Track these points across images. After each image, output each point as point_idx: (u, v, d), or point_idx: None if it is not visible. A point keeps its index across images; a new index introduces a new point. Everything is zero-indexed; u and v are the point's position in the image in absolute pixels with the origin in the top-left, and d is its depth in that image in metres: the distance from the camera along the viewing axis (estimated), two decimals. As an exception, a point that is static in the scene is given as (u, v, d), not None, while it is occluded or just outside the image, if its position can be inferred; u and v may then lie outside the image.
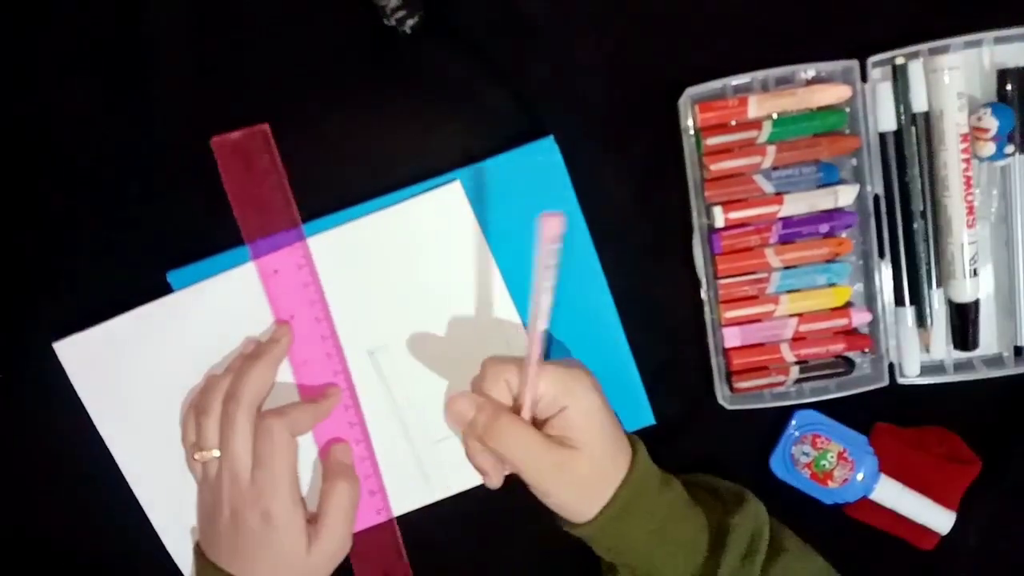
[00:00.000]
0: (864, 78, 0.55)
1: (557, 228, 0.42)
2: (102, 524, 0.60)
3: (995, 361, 0.58)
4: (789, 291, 0.57)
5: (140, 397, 0.57)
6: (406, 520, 0.59)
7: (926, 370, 0.58)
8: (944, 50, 0.54)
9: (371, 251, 0.57)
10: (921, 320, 0.57)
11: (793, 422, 0.58)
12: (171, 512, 0.58)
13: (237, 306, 0.57)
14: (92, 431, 0.57)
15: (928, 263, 0.56)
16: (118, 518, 0.59)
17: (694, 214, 0.56)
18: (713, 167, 0.55)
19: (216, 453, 0.53)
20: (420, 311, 0.57)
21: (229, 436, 0.52)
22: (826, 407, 0.58)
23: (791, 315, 0.57)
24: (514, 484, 0.56)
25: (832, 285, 0.57)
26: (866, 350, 0.58)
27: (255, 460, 0.52)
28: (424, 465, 0.58)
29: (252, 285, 0.57)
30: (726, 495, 0.54)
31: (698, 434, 0.55)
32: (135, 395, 0.57)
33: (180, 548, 0.59)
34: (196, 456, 0.53)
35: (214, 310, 0.57)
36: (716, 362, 0.57)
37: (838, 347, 0.57)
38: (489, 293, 0.57)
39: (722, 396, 0.57)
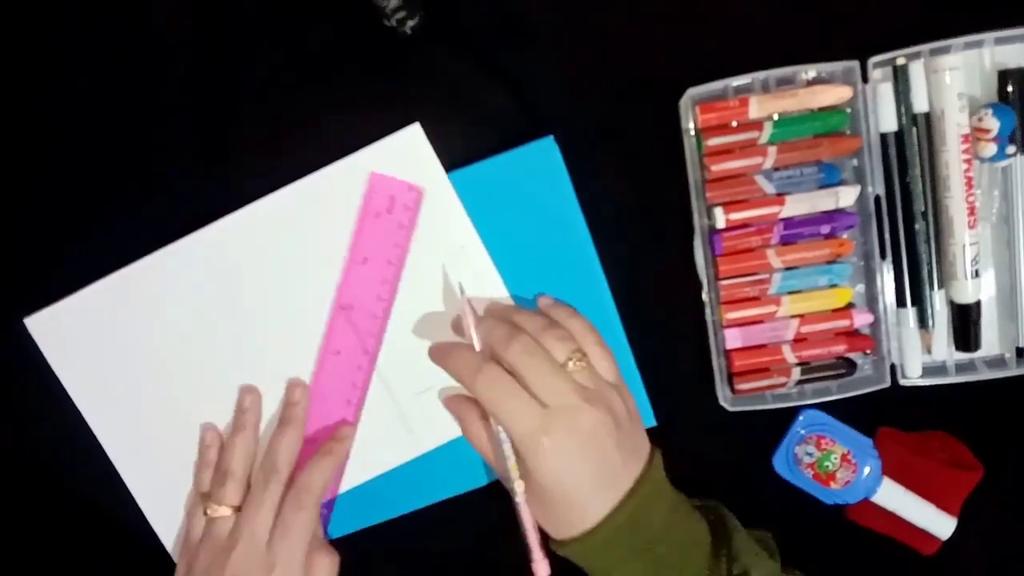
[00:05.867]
0: (865, 79, 0.55)
1: None
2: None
3: (997, 362, 0.58)
4: (790, 292, 0.57)
5: (117, 367, 0.57)
6: (403, 524, 0.59)
7: (928, 371, 0.58)
8: (945, 51, 0.54)
9: (340, 205, 0.56)
10: (923, 321, 0.57)
11: (799, 419, 0.58)
12: (154, 485, 0.58)
13: (212, 270, 0.56)
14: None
15: (929, 264, 0.56)
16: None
17: (695, 215, 0.56)
18: (714, 168, 0.55)
19: (227, 512, 0.53)
20: (398, 268, 0.57)
21: (261, 501, 0.53)
22: (828, 408, 0.58)
23: (792, 316, 0.57)
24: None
25: (833, 286, 0.57)
26: (867, 351, 0.57)
27: (280, 530, 0.52)
28: (407, 419, 0.58)
29: (227, 248, 0.56)
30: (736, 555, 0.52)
31: (698, 435, 0.55)
32: (112, 366, 0.57)
33: (162, 521, 0.58)
34: (208, 511, 0.54)
35: (188, 274, 0.56)
36: (717, 363, 0.57)
37: (839, 348, 0.57)
38: (467, 254, 0.57)
39: (723, 397, 0.57)
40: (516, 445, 0.50)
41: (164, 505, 0.58)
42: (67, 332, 0.57)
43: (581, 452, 0.49)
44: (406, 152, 0.56)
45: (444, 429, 0.58)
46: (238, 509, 0.53)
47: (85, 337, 0.57)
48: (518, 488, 0.51)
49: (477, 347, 0.53)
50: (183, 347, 0.57)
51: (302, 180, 0.56)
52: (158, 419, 0.57)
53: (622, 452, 0.50)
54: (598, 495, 0.49)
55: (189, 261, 0.56)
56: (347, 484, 0.58)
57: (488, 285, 0.57)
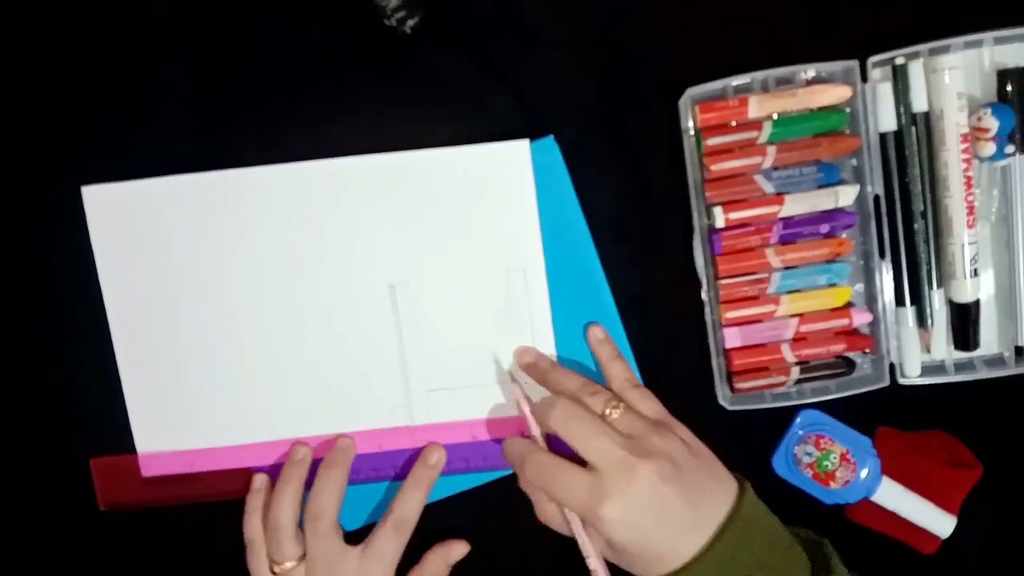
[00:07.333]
0: (864, 78, 0.55)
1: None
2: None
3: (996, 361, 0.58)
4: (790, 291, 0.57)
5: (155, 266, 0.57)
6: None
7: (927, 370, 0.58)
8: (944, 50, 0.54)
9: (422, 185, 0.56)
10: (922, 320, 0.57)
11: (798, 420, 0.58)
12: (144, 379, 0.59)
13: (282, 209, 0.57)
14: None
15: (929, 263, 0.56)
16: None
17: (694, 214, 0.56)
18: (713, 167, 0.55)
19: (292, 564, 0.55)
20: (454, 257, 0.57)
21: (318, 546, 0.55)
22: (827, 407, 0.58)
23: (792, 315, 0.57)
24: (514, 485, 0.56)
25: (833, 285, 0.57)
26: (867, 350, 0.57)
27: (373, 553, 0.55)
28: (413, 410, 0.58)
29: (304, 192, 0.57)
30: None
31: (698, 434, 0.55)
32: (150, 263, 0.57)
33: (141, 418, 0.59)
34: (276, 569, 0.56)
35: (254, 203, 0.57)
36: (716, 363, 0.57)
37: (839, 347, 0.57)
38: (526, 260, 0.57)
39: (722, 396, 0.57)
40: (581, 519, 0.50)
41: (149, 406, 0.59)
42: (119, 214, 0.57)
43: (642, 509, 0.48)
44: (507, 162, 0.56)
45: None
46: (302, 557, 0.56)
47: (135, 226, 0.57)
48: (590, 565, 0.51)
49: (535, 433, 0.54)
50: (224, 275, 0.57)
51: (392, 154, 0.56)
52: (174, 330, 0.58)
53: (690, 494, 0.49)
54: (677, 542, 0.48)
55: (262, 190, 0.57)
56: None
57: (537, 313, 0.57)
